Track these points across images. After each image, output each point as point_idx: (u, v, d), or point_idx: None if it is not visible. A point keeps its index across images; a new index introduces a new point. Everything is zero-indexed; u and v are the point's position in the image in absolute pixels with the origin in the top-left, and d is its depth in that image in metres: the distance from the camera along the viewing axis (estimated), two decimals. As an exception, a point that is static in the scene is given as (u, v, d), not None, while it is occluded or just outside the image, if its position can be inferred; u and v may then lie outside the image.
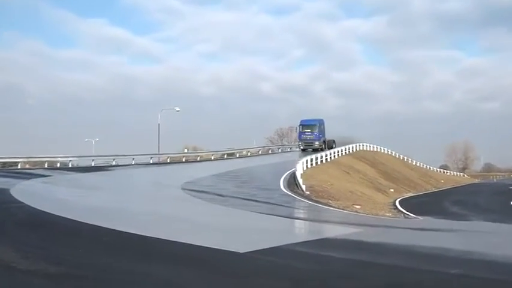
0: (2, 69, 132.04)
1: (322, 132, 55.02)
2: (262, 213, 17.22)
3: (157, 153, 49.52)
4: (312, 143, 54.07)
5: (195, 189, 23.04)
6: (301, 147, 54.78)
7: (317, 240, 11.85)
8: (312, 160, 39.31)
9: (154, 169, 39.42)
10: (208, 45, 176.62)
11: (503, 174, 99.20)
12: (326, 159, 44.62)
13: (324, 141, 54.85)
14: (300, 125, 55.04)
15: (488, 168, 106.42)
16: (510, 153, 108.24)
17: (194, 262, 8.51)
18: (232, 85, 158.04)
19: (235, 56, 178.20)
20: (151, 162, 44.24)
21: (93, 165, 38.44)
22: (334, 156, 48.24)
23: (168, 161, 47.16)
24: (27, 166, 35.73)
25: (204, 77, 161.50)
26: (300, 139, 55.48)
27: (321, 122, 55.74)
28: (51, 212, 13.43)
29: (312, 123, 54.90)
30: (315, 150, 49.22)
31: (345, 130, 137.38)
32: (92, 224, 11.78)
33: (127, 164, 40.39)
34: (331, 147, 52.72)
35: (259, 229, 13.47)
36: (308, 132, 54.33)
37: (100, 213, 14.44)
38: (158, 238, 10.36)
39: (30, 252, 8.80)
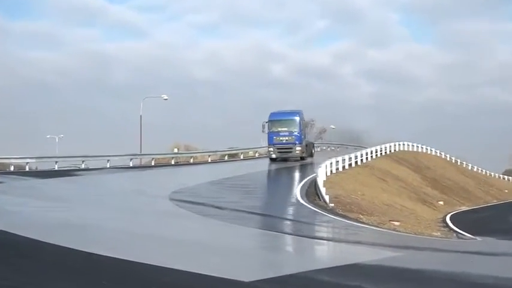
0: None
1: (302, 130, 47.95)
2: (273, 231, 17.26)
3: (138, 153, 49.70)
4: (290, 148, 46.79)
5: (187, 200, 23.07)
6: (272, 156, 47.23)
7: (343, 266, 11.83)
8: (337, 163, 39.28)
9: (135, 174, 39.54)
10: (203, 16, 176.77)
11: None
12: (356, 161, 44.59)
13: (306, 145, 49.24)
14: (270, 120, 46.79)
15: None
16: None
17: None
18: (234, 67, 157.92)
19: (238, 30, 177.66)
20: (131, 165, 44.37)
21: (56, 168, 38.60)
22: (367, 158, 48.20)
23: (153, 164, 47.32)
24: (-29, 170, 35.91)
25: (199, 56, 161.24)
26: (272, 143, 47.04)
27: (300, 115, 48.14)
28: (4, 229, 13.48)
29: (289, 117, 47.35)
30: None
31: (378, 124, 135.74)
32: (53, 244, 11.82)
33: (100, 167, 40.51)
34: (311, 154, 51.07)
35: (269, 252, 13.48)
36: (284, 131, 46.61)
37: (65, 231, 14.46)
38: (140, 263, 10.38)
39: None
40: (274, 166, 44.33)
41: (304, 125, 49.41)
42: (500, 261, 16.11)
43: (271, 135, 46.83)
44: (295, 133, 46.62)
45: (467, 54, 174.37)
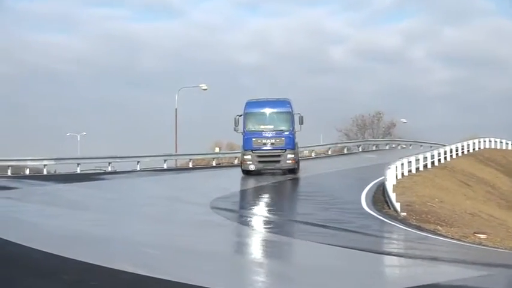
0: None
1: (294, 130, 37.49)
2: (333, 245, 17.27)
3: (173, 153, 50.05)
4: (277, 156, 36.85)
5: (231, 209, 23.22)
6: (250, 167, 36.88)
7: (419, 287, 11.76)
8: (409, 164, 38.91)
9: (170, 178, 39.83)
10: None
11: None
12: (432, 162, 44.12)
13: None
14: (246, 113, 36.97)
15: None
16: None
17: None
18: (283, 50, 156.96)
19: (287, 6, 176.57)
20: (165, 167, 44.76)
21: (78, 171, 39.14)
22: (445, 157, 47.64)
23: (191, 166, 47.59)
24: (-20, 173, 36.65)
25: (242, 38, 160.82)
26: (249, 148, 36.79)
27: (291, 106, 37.91)
28: (17, 242, 13.74)
29: (277, 108, 37.61)
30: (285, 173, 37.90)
31: (457, 117, 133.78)
32: (76, 260, 11.99)
33: (129, 170, 40.97)
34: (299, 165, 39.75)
35: (327, 269, 13.47)
36: (268, 131, 37.00)
37: (88, 244, 14.68)
38: (179, 283, 10.49)
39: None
40: (334, 166, 43.99)
41: (296, 122, 37.39)
42: None
43: (248, 136, 36.43)
44: (286, 133, 36.55)
45: None
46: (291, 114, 36.97)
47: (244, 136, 36.46)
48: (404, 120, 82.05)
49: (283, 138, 36.57)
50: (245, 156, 36.71)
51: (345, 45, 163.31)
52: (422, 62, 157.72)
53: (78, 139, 73.68)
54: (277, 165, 36.97)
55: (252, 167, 36.56)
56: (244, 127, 36.50)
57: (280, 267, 13.54)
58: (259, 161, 36.62)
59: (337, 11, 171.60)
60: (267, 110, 37.35)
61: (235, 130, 36.58)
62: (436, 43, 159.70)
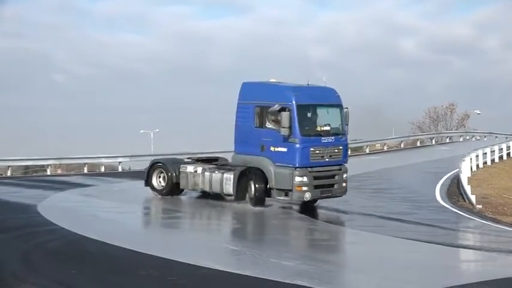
0: (14, 33, 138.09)
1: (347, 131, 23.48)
2: (407, 238, 17.25)
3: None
4: (333, 176, 22.56)
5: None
6: (305, 195, 21.55)
7: (498, 280, 11.68)
8: (484, 156, 38.33)
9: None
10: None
11: None
12: (508, 153, 43.27)
13: None
14: (299, 105, 21.57)
15: None
16: None
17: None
18: (354, 44, 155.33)
19: (357, 0, 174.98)
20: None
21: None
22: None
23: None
24: (59, 171, 37.58)
25: (313, 33, 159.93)
26: (304, 162, 21.58)
27: (339, 96, 23.39)
28: (98, 239, 14.12)
29: (326, 99, 23.22)
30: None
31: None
32: (159, 257, 12.30)
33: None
34: None
35: (401, 264, 13.50)
36: (326, 134, 22.32)
37: (167, 242, 15.01)
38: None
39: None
40: (407, 160, 43.56)
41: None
42: None
43: (304, 145, 21.42)
44: (343, 139, 22.96)
45: None
46: (342, 109, 22.99)
47: (297, 144, 21.07)
48: (478, 112, 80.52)
49: (341, 148, 22.70)
50: (299, 179, 21.25)
51: (416, 37, 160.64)
52: (496, 51, 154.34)
53: (151, 136, 74.37)
54: (332, 191, 22.45)
55: (308, 196, 21.44)
56: (294, 128, 21.06)
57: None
58: (316, 185, 21.88)
59: (408, 3, 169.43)
60: (318, 102, 22.87)
61: (284, 135, 20.95)
62: (510, 32, 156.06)
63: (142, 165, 40.54)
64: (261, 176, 21.17)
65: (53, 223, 16.28)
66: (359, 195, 26.62)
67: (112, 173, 36.48)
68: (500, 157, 41.48)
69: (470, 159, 34.10)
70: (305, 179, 21.12)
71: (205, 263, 11.96)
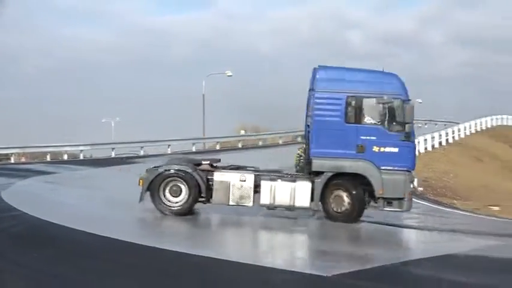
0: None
1: None
2: (364, 221, 17.43)
3: (201, 137, 50.19)
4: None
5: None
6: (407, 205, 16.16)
7: (436, 257, 11.81)
8: (425, 142, 38.83)
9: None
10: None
11: None
12: (447, 139, 43.96)
13: None
14: (353, 96, 15.93)
15: None
16: None
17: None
18: (306, 37, 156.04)
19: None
20: (194, 150, 44.91)
21: (113, 156, 39.39)
22: (459, 135, 47.44)
23: (218, 148, 47.72)
24: (22, 159, 37.03)
25: (267, 27, 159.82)
26: (412, 164, 16.50)
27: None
28: (61, 224, 13.95)
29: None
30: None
31: (475, 98, 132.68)
32: (121, 240, 12.22)
33: (160, 153, 41.13)
34: None
35: (352, 244, 13.60)
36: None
37: (124, 226, 14.91)
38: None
39: (36, 282, 9.24)
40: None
41: None
42: None
43: (413, 146, 16.68)
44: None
45: None
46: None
47: (411, 143, 16.34)
48: (420, 101, 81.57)
49: None
50: (412, 185, 16.84)
51: (364, 31, 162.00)
52: (439, 44, 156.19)
53: (112, 125, 73.66)
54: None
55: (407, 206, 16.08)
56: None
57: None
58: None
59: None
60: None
61: (407, 137, 15.95)
62: (452, 25, 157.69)
63: (103, 153, 40.48)
64: (353, 183, 15.77)
65: (17, 209, 16.02)
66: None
67: (74, 161, 36.17)
68: (440, 143, 42.10)
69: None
70: (413, 184, 17.48)
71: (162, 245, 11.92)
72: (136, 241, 12.19)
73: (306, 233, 15.77)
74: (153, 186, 15.93)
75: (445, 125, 58.54)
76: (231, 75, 56.83)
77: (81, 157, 38.27)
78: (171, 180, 16.09)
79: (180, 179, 16.00)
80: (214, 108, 57.30)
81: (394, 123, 15.59)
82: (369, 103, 15.58)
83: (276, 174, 16.19)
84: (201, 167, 16.39)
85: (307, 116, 16.61)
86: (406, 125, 15.61)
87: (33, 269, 9.89)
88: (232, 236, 14.97)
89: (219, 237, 14.80)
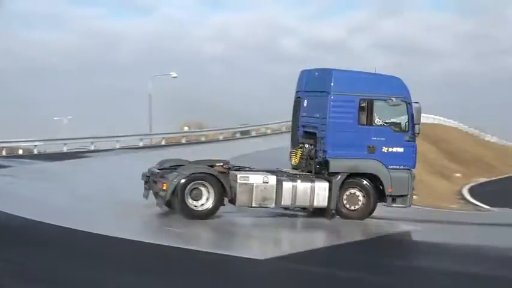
0: None
1: None
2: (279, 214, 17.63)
3: (148, 133, 49.86)
4: None
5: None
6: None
7: (359, 242, 12.01)
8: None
9: (146, 155, 39.68)
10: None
11: None
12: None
13: None
14: (365, 99, 15.85)
15: None
16: None
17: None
18: (244, 42, 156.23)
19: (247, 3, 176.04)
20: (141, 145, 44.60)
21: (65, 150, 38.84)
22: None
23: (163, 143, 47.49)
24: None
25: (208, 32, 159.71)
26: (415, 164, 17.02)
27: None
28: (16, 214, 13.72)
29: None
30: None
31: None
32: (65, 227, 12.06)
33: (110, 148, 40.73)
34: None
35: (279, 231, 13.75)
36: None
37: (74, 214, 14.72)
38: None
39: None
40: (287, 142, 43.93)
41: None
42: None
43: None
44: None
45: (488, 23, 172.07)
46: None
47: (414, 142, 16.31)
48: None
49: None
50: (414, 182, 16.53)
51: (296, 37, 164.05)
52: (363, 50, 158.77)
53: (65, 122, 72.70)
54: None
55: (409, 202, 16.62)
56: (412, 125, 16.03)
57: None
58: None
59: (290, 7, 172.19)
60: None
61: (411, 137, 16.09)
62: (375, 34, 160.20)
63: (56, 148, 39.82)
64: (366, 182, 15.58)
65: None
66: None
67: (29, 156, 35.57)
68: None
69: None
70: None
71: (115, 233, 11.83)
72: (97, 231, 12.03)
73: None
74: (179, 189, 14.18)
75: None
76: (175, 77, 56.57)
77: (35, 152, 37.61)
78: (195, 183, 14.52)
79: (205, 182, 14.45)
80: (161, 107, 56.98)
81: (401, 124, 15.56)
82: (378, 105, 15.39)
83: (295, 175, 15.32)
84: (216, 169, 15.02)
85: (297, 117, 16.22)
86: (416, 126, 15.58)
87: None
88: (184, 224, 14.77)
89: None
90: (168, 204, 14.64)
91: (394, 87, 15.62)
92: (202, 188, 14.38)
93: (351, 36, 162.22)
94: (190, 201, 14.31)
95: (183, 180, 14.15)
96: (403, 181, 15.55)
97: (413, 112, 15.33)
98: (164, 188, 14.01)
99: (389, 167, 15.41)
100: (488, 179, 43.33)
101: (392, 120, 15.45)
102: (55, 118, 75.09)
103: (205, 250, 10.67)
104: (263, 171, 15.41)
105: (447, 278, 8.81)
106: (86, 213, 14.75)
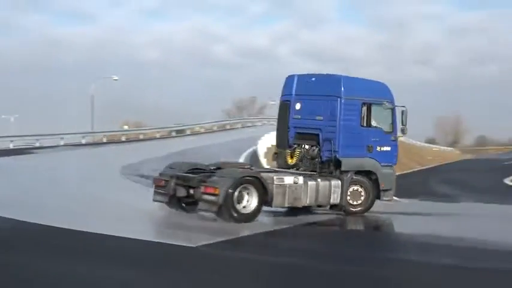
0: None
1: None
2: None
3: (90, 131, 49.15)
4: None
5: (138, 174, 23.19)
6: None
7: (279, 230, 12.25)
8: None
9: (87, 151, 39.16)
10: (148, 1, 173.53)
11: (498, 148, 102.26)
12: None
13: None
14: (366, 103, 15.89)
15: (482, 141, 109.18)
16: (507, 125, 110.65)
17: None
18: (180, 48, 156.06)
19: (182, 13, 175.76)
20: (83, 142, 43.94)
21: (11, 147, 37.92)
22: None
23: (105, 141, 46.92)
24: None
25: (146, 39, 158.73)
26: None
27: None
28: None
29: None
30: None
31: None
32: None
33: (54, 145, 39.96)
34: None
35: (211, 220, 13.85)
36: None
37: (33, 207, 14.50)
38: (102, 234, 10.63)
39: None
40: (219, 139, 44.13)
41: None
42: (424, 220, 16.98)
43: None
44: None
45: (392, 35, 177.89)
46: None
47: (397, 141, 16.63)
48: (273, 102, 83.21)
49: None
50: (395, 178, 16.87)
51: (227, 45, 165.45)
52: (287, 57, 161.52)
53: (12, 120, 70.83)
54: None
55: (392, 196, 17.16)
56: (396, 126, 16.28)
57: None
58: None
59: (221, 18, 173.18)
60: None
61: (395, 137, 16.42)
62: (297, 43, 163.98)
63: (2, 144, 38.76)
64: (366, 179, 15.49)
65: None
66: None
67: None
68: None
69: (266, 138, 35.23)
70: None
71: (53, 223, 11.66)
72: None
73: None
74: (230, 193, 12.81)
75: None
76: (116, 79, 56.10)
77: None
78: (242, 187, 13.25)
79: (249, 185, 13.22)
80: (103, 107, 56.35)
81: (388, 126, 15.66)
82: (374, 109, 15.41)
83: (310, 175, 14.62)
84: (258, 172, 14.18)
85: (285, 119, 15.52)
86: (404, 127, 15.70)
87: None
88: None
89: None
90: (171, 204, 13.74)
91: (384, 92, 15.76)
92: (244, 192, 13.22)
93: (276, 45, 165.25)
94: (238, 203, 13.04)
95: (231, 184, 12.82)
96: (391, 177, 15.78)
97: (401, 115, 15.57)
98: (216, 192, 12.62)
99: (381, 163, 15.56)
100: (400, 173, 44.38)
101: (383, 122, 15.57)
102: (2, 116, 73.13)
103: (140, 238, 10.51)
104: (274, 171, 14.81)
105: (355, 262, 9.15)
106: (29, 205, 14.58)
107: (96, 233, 10.63)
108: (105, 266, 8.34)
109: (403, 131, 15.86)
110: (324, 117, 14.98)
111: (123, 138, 49.29)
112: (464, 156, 79.98)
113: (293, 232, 12.17)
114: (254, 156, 31.22)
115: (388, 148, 15.74)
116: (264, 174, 13.83)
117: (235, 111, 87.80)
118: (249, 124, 65.48)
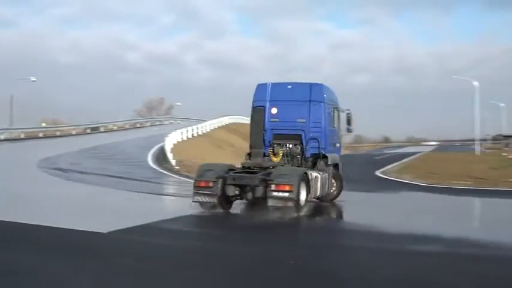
0: None
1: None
2: (128, 190, 17.42)
3: (9, 127, 46.94)
4: None
5: (54, 167, 22.45)
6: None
7: (183, 216, 12.28)
8: (182, 134, 39.62)
9: (5, 146, 37.48)
10: (66, 9, 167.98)
11: (371, 145, 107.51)
12: (197, 132, 45.16)
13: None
14: (335, 107, 16.36)
15: (359, 140, 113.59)
16: (379, 125, 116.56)
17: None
18: (95, 53, 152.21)
19: (98, 22, 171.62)
20: (2, 138, 41.93)
21: None
22: (206, 129, 48.93)
23: (23, 137, 44.96)
24: None
25: (63, 44, 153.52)
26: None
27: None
28: None
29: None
30: None
31: (216, 102, 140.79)
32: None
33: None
34: None
35: (122, 208, 13.67)
36: None
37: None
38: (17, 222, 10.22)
39: None
40: (130, 136, 43.50)
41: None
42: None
43: None
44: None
45: (285, 47, 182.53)
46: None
47: (341, 140, 17.40)
48: (179, 103, 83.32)
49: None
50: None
51: (138, 52, 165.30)
52: (192, 64, 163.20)
53: None
54: None
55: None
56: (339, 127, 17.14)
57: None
58: None
59: (134, 27, 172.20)
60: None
61: (341, 135, 17.21)
62: (201, 52, 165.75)
63: None
64: (335, 170, 15.71)
65: None
66: (95, 161, 26.24)
67: None
68: (193, 135, 43.16)
69: (172, 136, 35.07)
70: None
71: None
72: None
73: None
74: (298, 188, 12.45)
75: (197, 121, 60.04)
76: (34, 80, 53.91)
77: None
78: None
79: (303, 181, 12.76)
80: (22, 106, 54.17)
81: (340, 126, 16.14)
82: (336, 112, 15.80)
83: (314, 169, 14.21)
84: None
85: (260, 122, 14.86)
86: (351, 128, 16.39)
87: None
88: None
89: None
90: None
91: (336, 98, 16.07)
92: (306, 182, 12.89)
93: (183, 53, 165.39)
94: (303, 195, 12.66)
95: (300, 180, 12.46)
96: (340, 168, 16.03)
97: (348, 117, 16.22)
98: (291, 189, 12.13)
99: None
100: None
101: (337, 123, 15.96)
102: None
103: (49, 225, 10.12)
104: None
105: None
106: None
107: (9, 222, 10.23)
108: (14, 253, 8.00)
109: (350, 131, 16.59)
110: (306, 119, 14.87)
111: (41, 135, 47.46)
112: (343, 152, 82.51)
113: (206, 219, 12.10)
114: (161, 151, 30.98)
115: (339, 145, 16.32)
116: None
117: (146, 111, 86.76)
118: (158, 123, 64.79)
